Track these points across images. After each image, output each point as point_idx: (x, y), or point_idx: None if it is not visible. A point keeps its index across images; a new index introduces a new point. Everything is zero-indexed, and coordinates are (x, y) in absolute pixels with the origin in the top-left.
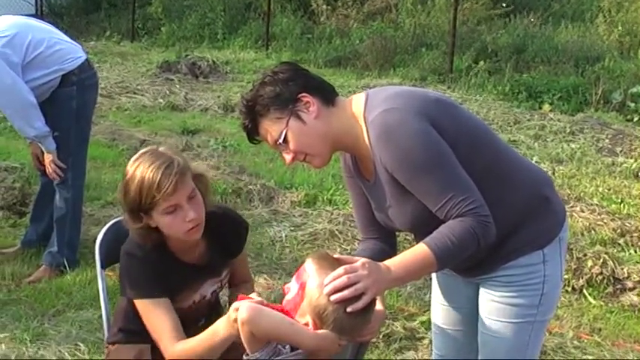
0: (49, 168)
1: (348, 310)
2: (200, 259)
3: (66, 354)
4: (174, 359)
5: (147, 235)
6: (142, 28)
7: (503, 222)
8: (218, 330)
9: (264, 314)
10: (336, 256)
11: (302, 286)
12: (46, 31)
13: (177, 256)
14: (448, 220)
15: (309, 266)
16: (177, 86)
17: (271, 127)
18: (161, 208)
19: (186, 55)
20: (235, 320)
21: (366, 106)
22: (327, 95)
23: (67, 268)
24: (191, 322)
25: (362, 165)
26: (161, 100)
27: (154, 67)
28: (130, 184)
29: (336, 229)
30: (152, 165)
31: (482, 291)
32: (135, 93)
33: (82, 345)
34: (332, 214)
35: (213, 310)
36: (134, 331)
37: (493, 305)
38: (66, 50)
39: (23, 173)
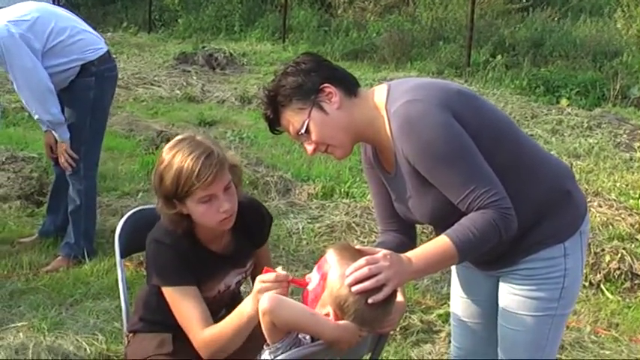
0: (62, 158)
1: (370, 301)
2: (226, 249)
3: (83, 343)
4: (204, 345)
5: (179, 222)
6: (158, 19)
7: (524, 215)
8: (245, 309)
9: (285, 304)
10: (357, 247)
11: (323, 277)
12: (70, 19)
13: (205, 244)
14: (469, 212)
15: (331, 257)
16: (194, 78)
17: (293, 118)
18: (197, 197)
19: (203, 47)
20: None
21: (388, 97)
22: (350, 86)
23: (86, 258)
24: (214, 313)
25: (382, 157)
26: (178, 92)
27: (171, 59)
28: (166, 171)
29: (353, 222)
30: (192, 154)
31: (502, 284)
32: (152, 84)
33: (99, 334)
34: (349, 206)
35: (236, 301)
36: (155, 320)
37: (513, 298)
38: (87, 40)
39: (41, 163)
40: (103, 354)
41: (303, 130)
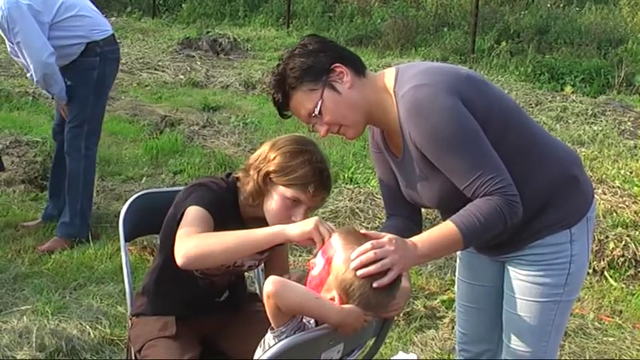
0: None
1: (375, 285)
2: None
3: (87, 327)
4: (185, 254)
5: (233, 193)
6: (162, 4)
7: (532, 200)
8: (255, 231)
9: (290, 288)
10: (362, 231)
11: (328, 261)
12: None
13: (244, 222)
14: (476, 198)
15: (336, 241)
16: (198, 63)
17: (304, 100)
18: (291, 193)
19: (207, 32)
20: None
21: (397, 81)
22: (358, 66)
23: (81, 240)
24: (215, 291)
25: (390, 141)
26: (182, 77)
27: (175, 44)
28: (293, 156)
29: (357, 207)
30: (321, 165)
31: (508, 269)
32: (156, 69)
33: (103, 318)
34: (353, 192)
35: (240, 286)
36: (159, 303)
37: (519, 284)
38: (95, 20)
39: (45, 147)
40: (107, 338)
41: (317, 112)
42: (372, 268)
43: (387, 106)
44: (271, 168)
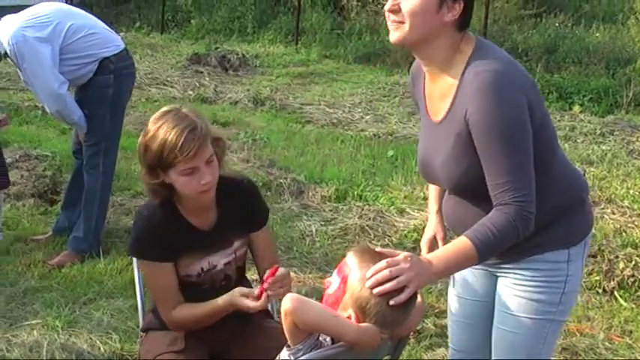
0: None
1: (391, 302)
2: (209, 225)
3: (97, 342)
4: (170, 322)
5: (159, 192)
6: (171, 20)
7: (540, 215)
8: (217, 302)
9: (307, 305)
10: (377, 249)
11: (344, 280)
12: (87, 18)
13: (187, 218)
14: (494, 197)
15: (351, 260)
16: (207, 79)
17: None
18: (179, 169)
19: (216, 48)
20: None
21: (476, 52)
22: (465, 25)
23: (93, 254)
24: (199, 291)
25: (433, 103)
26: (191, 92)
27: (184, 60)
28: (151, 142)
29: (367, 225)
30: (176, 127)
31: (502, 285)
32: (164, 84)
33: (113, 333)
34: (362, 209)
35: (234, 284)
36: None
37: (513, 300)
38: (105, 38)
39: (54, 161)
40: (117, 353)
41: None
42: (388, 286)
43: (452, 65)
44: (147, 164)
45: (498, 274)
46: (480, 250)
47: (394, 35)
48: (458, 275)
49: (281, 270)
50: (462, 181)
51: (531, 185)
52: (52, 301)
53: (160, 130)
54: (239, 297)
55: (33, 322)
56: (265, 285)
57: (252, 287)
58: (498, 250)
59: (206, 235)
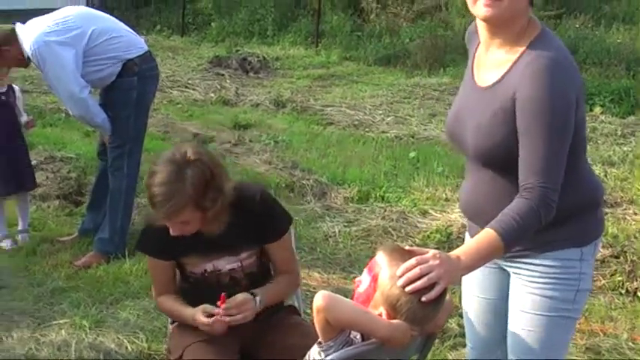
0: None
1: (423, 299)
2: (216, 234)
3: (125, 341)
4: (157, 304)
5: None
6: (191, 23)
7: (558, 209)
8: (188, 313)
9: (340, 302)
10: (406, 247)
11: (374, 278)
12: (110, 21)
13: None
14: (520, 177)
15: (381, 258)
16: (228, 81)
17: None
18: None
19: (237, 51)
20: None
21: (541, 35)
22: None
23: (118, 255)
24: (211, 290)
25: (479, 69)
26: (212, 95)
27: (205, 62)
28: (148, 178)
29: (390, 226)
30: (156, 187)
31: (516, 283)
32: (186, 87)
33: (140, 333)
34: (385, 210)
35: (243, 288)
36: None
37: (528, 297)
38: (128, 40)
39: (79, 163)
40: (144, 352)
41: None
42: (419, 283)
43: (513, 39)
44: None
45: (511, 271)
46: (506, 239)
47: (489, 11)
48: (471, 274)
49: (239, 297)
50: (490, 151)
51: (559, 176)
52: (79, 301)
53: (150, 178)
54: (200, 313)
55: (61, 321)
56: (217, 311)
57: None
58: (523, 239)
59: (211, 240)
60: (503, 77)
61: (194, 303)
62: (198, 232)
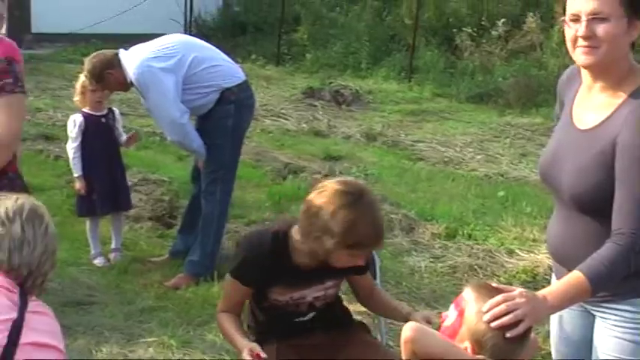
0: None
1: (508, 335)
2: (308, 267)
3: None
4: (217, 317)
5: (310, 254)
6: (287, 53)
7: None
8: (238, 342)
9: (428, 334)
10: (494, 284)
11: (461, 313)
12: (210, 49)
13: (294, 262)
14: (613, 222)
15: (468, 294)
16: (320, 112)
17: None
18: (352, 251)
19: (330, 83)
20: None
21: None
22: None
23: (207, 278)
24: (292, 315)
25: (579, 110)
26: (304, 125)
27: (298, 93)
28: (356, 223)
29: (476, 264)
30: (377, 214)
31: (601, 326)
32: (279, 117)
33: (225, 355)
34: (472, 248)
35: (331, 311)
36: (260, 330)
37: (612, 340)
38: (226, 69)
39: (172, 186)
40: None
41: (601, 15)
42: (505, 319)
43: (618, 82)
44: (333, 242)
45: (597, 315)
46: (594, 283)
47: (588, 59)
48: (556, 315)
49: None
50: (585, 193)
51: None
52: (167, 321)
53: (363, 216)
54: (247, 351)
55: (149, 339)
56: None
57: (350, 316)
58: (613, 282)
59: (301, 273)
60: (604, 121)
61: (265, 324)
62: (293, 266)
